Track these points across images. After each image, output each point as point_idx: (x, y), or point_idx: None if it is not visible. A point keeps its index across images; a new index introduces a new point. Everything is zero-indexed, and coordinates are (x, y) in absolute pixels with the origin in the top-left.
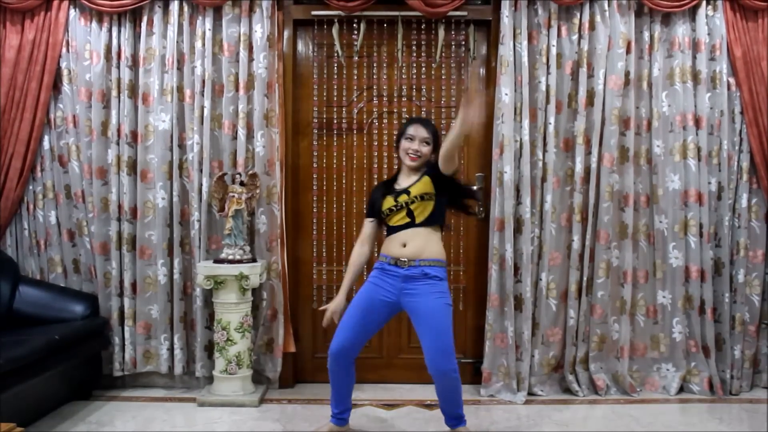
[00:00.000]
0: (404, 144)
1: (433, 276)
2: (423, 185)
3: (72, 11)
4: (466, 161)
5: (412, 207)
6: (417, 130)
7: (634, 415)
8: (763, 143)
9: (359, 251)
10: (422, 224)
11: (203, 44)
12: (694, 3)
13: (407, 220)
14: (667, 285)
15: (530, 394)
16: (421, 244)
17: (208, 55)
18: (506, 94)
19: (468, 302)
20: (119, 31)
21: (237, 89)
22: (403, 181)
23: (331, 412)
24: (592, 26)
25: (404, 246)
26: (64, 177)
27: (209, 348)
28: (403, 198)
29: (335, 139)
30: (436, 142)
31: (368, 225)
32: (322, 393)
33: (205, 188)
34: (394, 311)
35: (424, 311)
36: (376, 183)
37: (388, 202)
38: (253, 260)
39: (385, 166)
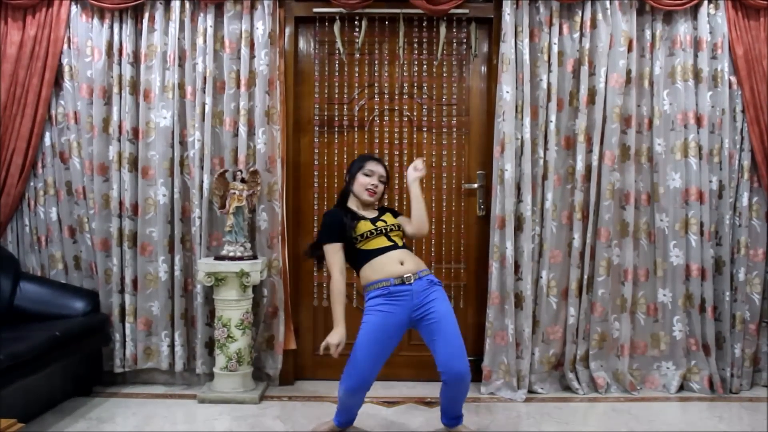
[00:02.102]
0: (362, 179)
1: (437, 283)
2: (392, 218)
3: (73, 8)
4: (467, 159)
5: (390, 234)
6: (376, 167)
7: (634, 413)
8: (764, 142)
9: (341, 279)
10: (403, 246)
11: (204, 41)
12: (695, 1)
13: (389, 243)
14: (668, 283)
15: (530, 391)
16: (415, 259)
17: (209, 52)
18: (507, 92)
19: (468, 300)
20: (121, 28)
21: (238, 86)
22: (366, 213)
23: (335, 415)
24: (594, 24)
25: (402, 263)
26: (65, 173)
27: (210, 345)
28: (381, 224)
29: (336, 136)
30: (387, 180)
31: (338, 250)
32: (323, 390)
33: (206, 185)
34: (404, 331)
35: (442, 316)
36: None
37: (365, 226)
38: (254, 257)
39: (386, 164)
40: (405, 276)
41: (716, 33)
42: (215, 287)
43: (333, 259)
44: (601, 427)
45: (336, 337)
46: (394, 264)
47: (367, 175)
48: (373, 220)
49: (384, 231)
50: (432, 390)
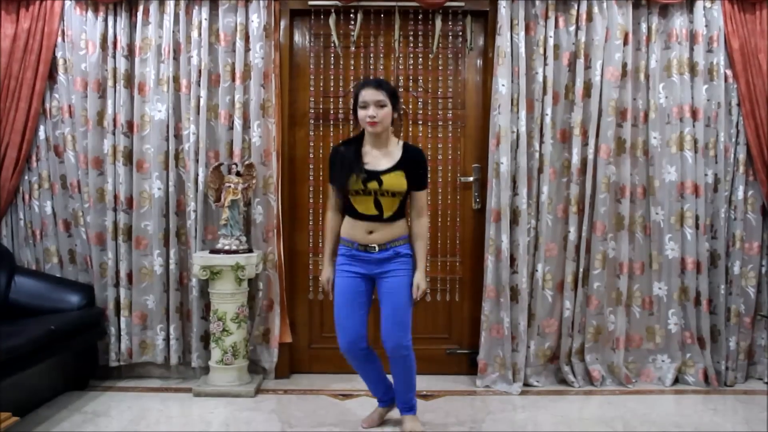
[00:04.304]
0: (360, 113)
1: (404, 254)
2: (397, 179)
3: (67, 0)
4: (462, 152)
5: (381, 199)
6: (369, 95)
7: (629, 406)
8: (759, 135)
9: (334, 218)
10: (388, 219)
11: (199, 34)
12: None
13: (374, 212)
14: (663, 276)
15: (526, 384)
16: (388, 231)
17: (204, 45)
18: (503, 85)
19: (464, 293)
20: (115, 21)
21: (233, 79)
22: (373, 157)
23: (378, 398)
24: (590, 17)
25: (370, 233)
26: (60, 167)
27: (205, 338)
28: (373, 186)
29: (332, 129)
30: (394, 101)
31: (333, 192)
32: (318, 383)
33: (201, 178)
34: (371, 285)
35: (391, 287)
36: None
37: (356, 184)
38: (249, 251)
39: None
40: (370, 245)
41: (712, 26)
42: (210, 281)
43: (331, 198)
44: (597, 420)
45: (324, 276)
46: (362, 231)
47: (363, 106)
48: (367, 178)
49: (374, 194)
50: (428, 384)
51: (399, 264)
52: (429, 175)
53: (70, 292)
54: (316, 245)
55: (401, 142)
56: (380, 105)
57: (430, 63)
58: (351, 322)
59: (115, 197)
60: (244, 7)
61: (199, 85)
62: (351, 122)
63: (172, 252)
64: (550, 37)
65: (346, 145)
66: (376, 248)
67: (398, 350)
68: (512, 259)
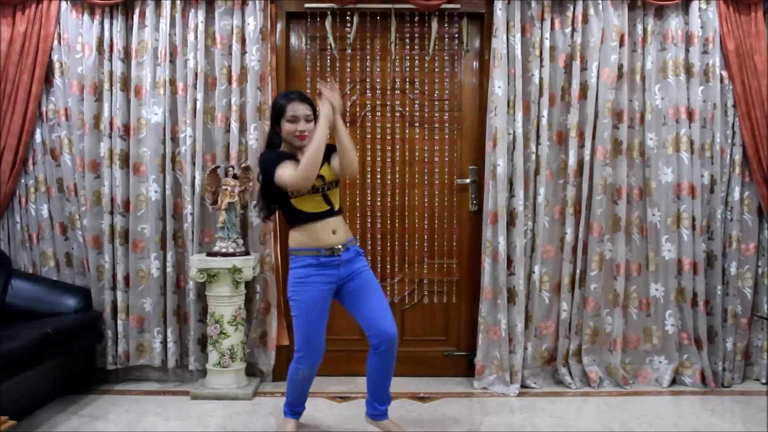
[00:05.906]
0: (288, 126)
1: (361, 252)
2: (330, 170)
3: (64, 3)
4: (459, 154)
5: (328, 193)
6: (298, 109)
7: (626, 407)
8: (755, 136)
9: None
10: (339, 212)
11: (196, 37)
12: None
13: (326, 207)
14: (660, 278)
15: (523, 386)
16: (344, 227)
17: (200, 48)
18: (499, 87)
19: (461, 295)
20: (111, 24)
21: (230, 82)
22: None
23: (288, 408)
24: (586, 19)
25: (334, 233)
26: (57, 170)
27: (202, 341)
28: (317, 183)
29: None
30: (315, 113)
31: (290, 164)
32: (315, 386)
33: (197, 181)
34: (333, 295)
35: (367, 281)
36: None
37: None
38: (246, 253)
39: (379, 159)
40: (336, 247)
41: (707, 28)
42: (207, 283)
43: (288, 170)
44: (594, 421)
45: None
46: (327, 233)
47: (291, 120)
48: None
49: (321, 190)
50: (426, 385)
51: (361, 261)
52: None
53: (67, 296)
54: None
55: None
56: (308, 120)
57: (426, 65)
58: (323, 335)
59: (112, 200)
60: (240, 10)
61: (196, 88)
62: (348, 125)
63: (169, 255)
64: (546, 38)
65: (280, 153)
66: (341, 249)
67: (393, 341)
68: (509, 261)
